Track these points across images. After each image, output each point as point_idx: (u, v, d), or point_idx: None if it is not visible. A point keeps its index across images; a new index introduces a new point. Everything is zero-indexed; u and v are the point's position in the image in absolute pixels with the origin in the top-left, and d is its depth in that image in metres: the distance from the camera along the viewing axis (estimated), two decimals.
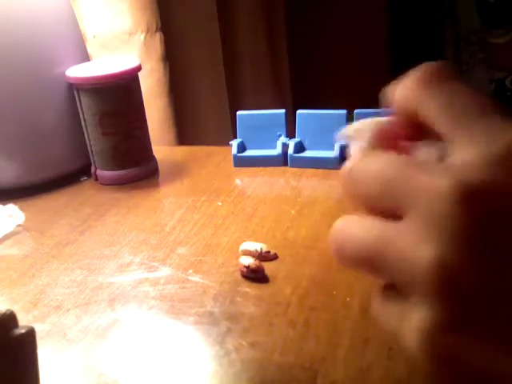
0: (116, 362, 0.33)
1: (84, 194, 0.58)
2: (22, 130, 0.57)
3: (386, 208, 0.23)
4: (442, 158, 0.24)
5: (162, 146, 0.77)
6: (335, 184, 0.53)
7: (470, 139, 0.22)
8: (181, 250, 0.45)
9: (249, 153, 0.60)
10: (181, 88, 0.90)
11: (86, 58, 0.63)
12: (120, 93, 0.57)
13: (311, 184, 0.54)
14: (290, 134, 0.60)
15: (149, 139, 0.61)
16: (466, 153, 0.22)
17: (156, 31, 0.82)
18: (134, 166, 0.59)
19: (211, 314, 0.36)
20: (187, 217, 0.50)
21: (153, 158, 0.62)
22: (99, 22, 0.79)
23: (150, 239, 0.47)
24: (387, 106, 0.30)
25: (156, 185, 0.59)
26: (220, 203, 0.52)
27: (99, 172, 0.60)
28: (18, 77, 0.56)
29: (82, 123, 0.58)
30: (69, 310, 0.39)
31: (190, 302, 0.38)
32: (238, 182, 0.57)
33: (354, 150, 0.29)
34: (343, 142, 0.56)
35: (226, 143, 0.62)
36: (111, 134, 0.57)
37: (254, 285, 0.39)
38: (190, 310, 0.37)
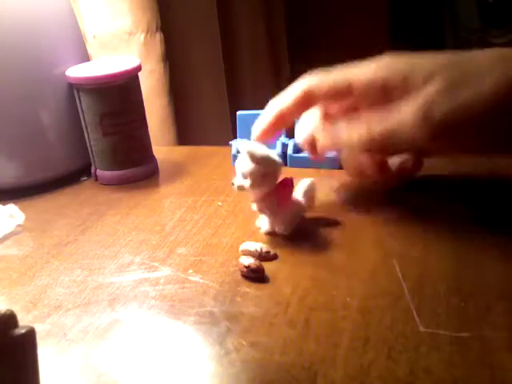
0: (116, 362, 0.33)
1: (84, 194, 0.58)
2: (22, 130, 0.57)
3: None
4: None
5: (162, 146, 0.77)
6: (335, 184, 0.53)
7: None
8: (181, 250, 0.45)
9: None
10: (181, 88, 0.90)
11: (86, 58, 0.63)
12: (120, 93, 0.57)
13: None
14: (290, 134, 0.60)
15: (149, 139, 0.61)
16: None
17: (156, 31, 0.82)
18: (134, 166, 0.59)
19: (211, 313, 0.36)
20: (187, 217, 0.50)
21: (153, 157, 0.62)
22: (99, 22, 0.79)
23: (150, 239, 0.47)
24: None
25: (156, 185, 0.59)
26: (220, 203, 0.52)
27: (99, 172, 0.60)
28: (18, 77, 0.56)
29: (82, 123, 0.58)
30: (69, 309, 0.39)
31: (190, 302, 0.38)
32: None
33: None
34: None
35: (226, 143, 0.62)
36: (111, 134, 0.57)
37: (254, 285, 0.39)
38: (189, 310, 0.37)
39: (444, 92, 0.37)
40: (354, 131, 0.41)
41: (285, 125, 0.48)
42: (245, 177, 0.42)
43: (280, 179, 0.44)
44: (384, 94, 0.40)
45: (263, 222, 0.45)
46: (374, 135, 0.40)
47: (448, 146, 0.39)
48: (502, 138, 0.38)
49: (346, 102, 0.45)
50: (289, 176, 0.44)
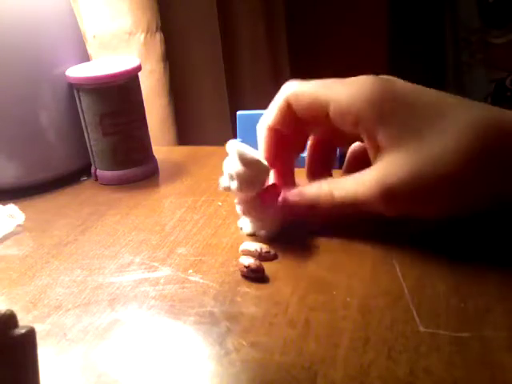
0: (116, 362, 0.33)
1: (84, 194, 0.58)
2: (22, 130, 0.57)
3: None
4: None
5: (161, 146, 0.77)
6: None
7: None
8: (181, 250, 0.45)
9: None
10: (181, 88, 0.90)
11: (86, 58, 0.63)
12: (120, 93, 0.57)
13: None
14: None
15: (149, 139, 0.61)
16: None
17: (156, 31, 0.82)
18: (134, 166, 0.59)
19: (211, 313, 0.36)
20: (187, 217, 0.50)
21: (153, 158, 0.62)
22: (99, 22, 0.79)
23: (150, 239, 0.47)
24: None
25: (156, 185, 0.59)
26: (220, 203, 0.52)
27: (99, 172, 0.60)
28: (18, 77, 0.56)
29: (82, 123, 0.58)
30: (69, 309, 0.39)
31: (190, 302, 0.38)
32: None
33: None
34: None
35: (226, 143, 0.61)
36: (111, 134, 0.57)
37: (254, 285, 0.39)
38: (189, 310, 0.37)
39: (405, 165, 0.37)
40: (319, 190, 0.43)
41: (283, 139, 0.46)
42: (232, 178, 0.42)
43: (268, 184, 0.44)
44: (354, 125, 0.40)
45: (245, 223, 0.46)
46: (336, 200, 0.41)
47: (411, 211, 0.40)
48: (473, 200, 0.38)
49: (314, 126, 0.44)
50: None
